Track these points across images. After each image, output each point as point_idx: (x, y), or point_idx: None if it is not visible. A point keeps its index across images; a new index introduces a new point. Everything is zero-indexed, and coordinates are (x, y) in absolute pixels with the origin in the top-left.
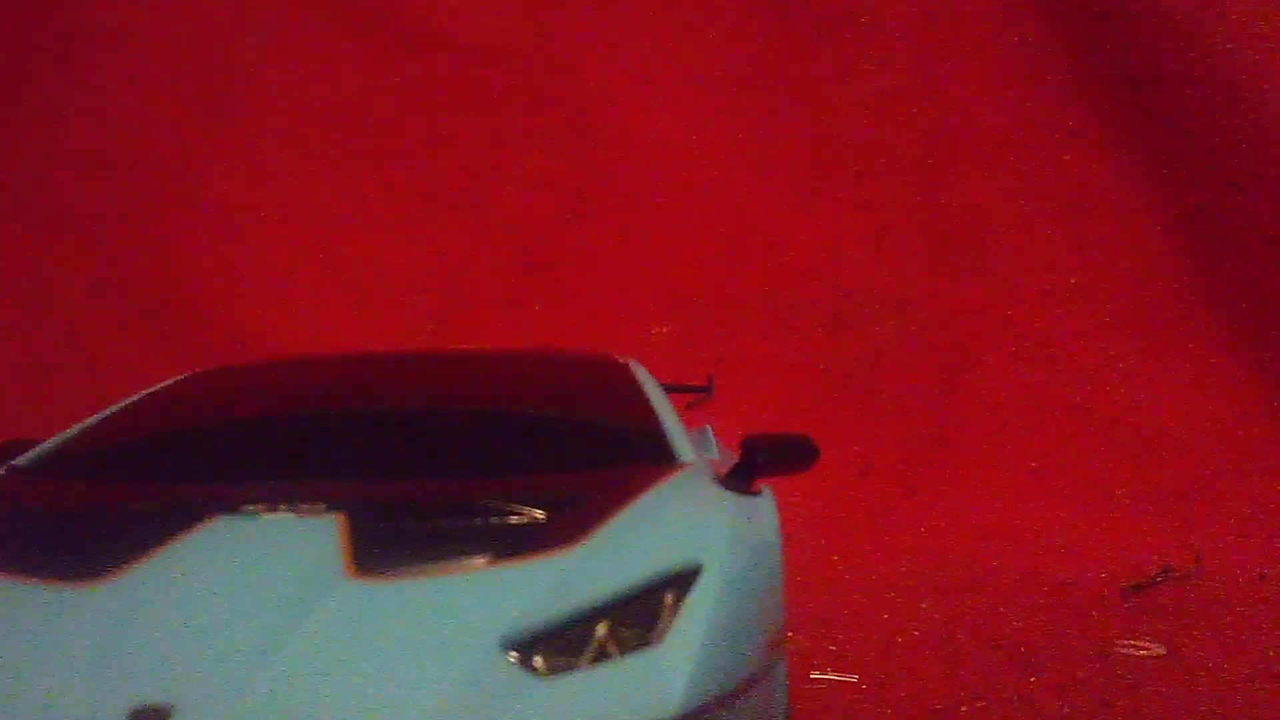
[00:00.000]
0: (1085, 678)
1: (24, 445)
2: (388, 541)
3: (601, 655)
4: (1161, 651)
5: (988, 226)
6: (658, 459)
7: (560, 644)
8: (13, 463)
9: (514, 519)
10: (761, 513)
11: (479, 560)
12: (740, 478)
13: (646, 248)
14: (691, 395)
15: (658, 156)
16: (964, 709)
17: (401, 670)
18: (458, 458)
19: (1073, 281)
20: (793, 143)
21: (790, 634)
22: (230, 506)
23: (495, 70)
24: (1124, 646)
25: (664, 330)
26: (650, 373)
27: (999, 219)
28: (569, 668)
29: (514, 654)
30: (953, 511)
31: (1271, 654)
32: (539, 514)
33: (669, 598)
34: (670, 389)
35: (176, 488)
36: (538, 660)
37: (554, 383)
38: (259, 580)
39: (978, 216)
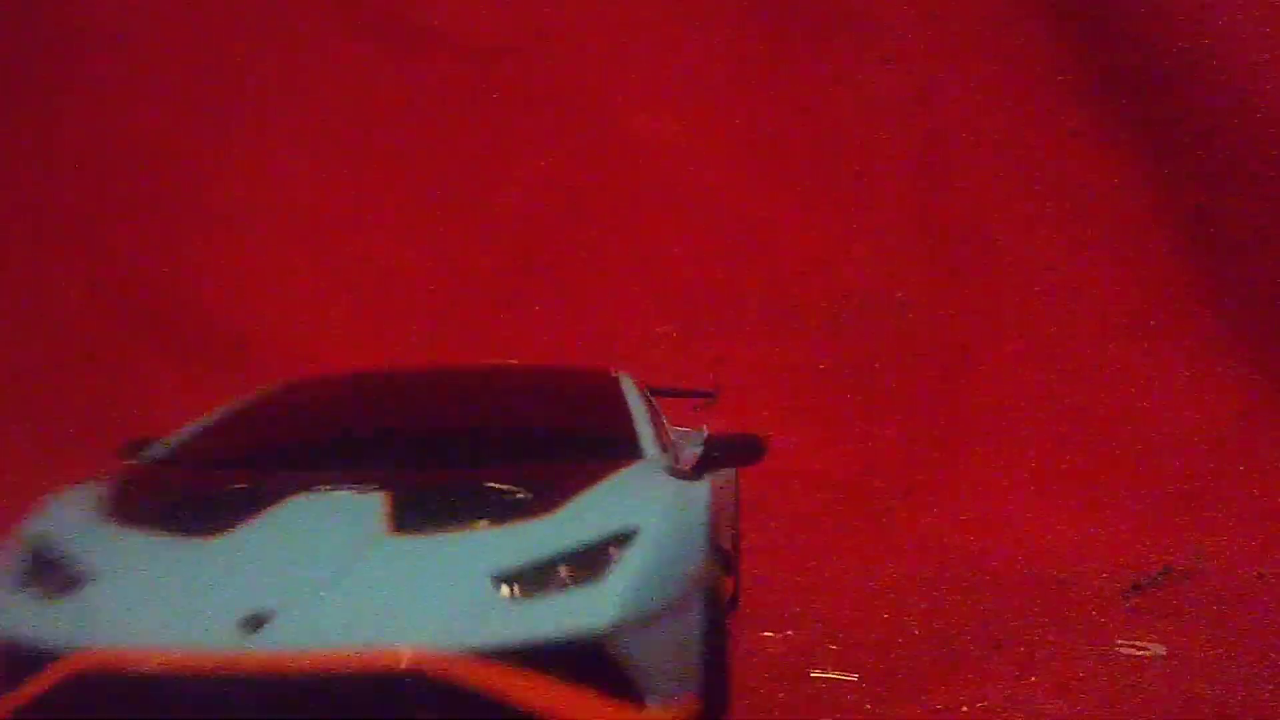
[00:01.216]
0: (1085, 677)
1: (144, 442)
2: (417, 510)
3: (561, 587)
4: (1161, 651)
5: (987, 227)
6: (626, 455)
7: (532, 579)
8: (144, 454)
9: (507, 496)
10: (694, 493)
11: (481, 523)
12: (702, 469)
13: (647, 247)
14: (698, 399)
15: (658, 156)
16: (964, 709)
17: (423, 593)
18: (471, 451)
19: (1073, 282)
20: (793, 143)
21: (790, 632)
22: (308, 486)
23: (495, 70)
24: (1124, 646)
25: (664, 330)
26: (640, 384)
27: (999, 219)
28: (538, 595)
29: (502, 586)
30: (953, 511)
31: (1271, 654)
32: (526, 493)
33: (613, 550)
34: (679, 394)
35: (269, 473)
36: (516, 589)
37: (552, 393)
38: (328, 535)
39: (978, 217)
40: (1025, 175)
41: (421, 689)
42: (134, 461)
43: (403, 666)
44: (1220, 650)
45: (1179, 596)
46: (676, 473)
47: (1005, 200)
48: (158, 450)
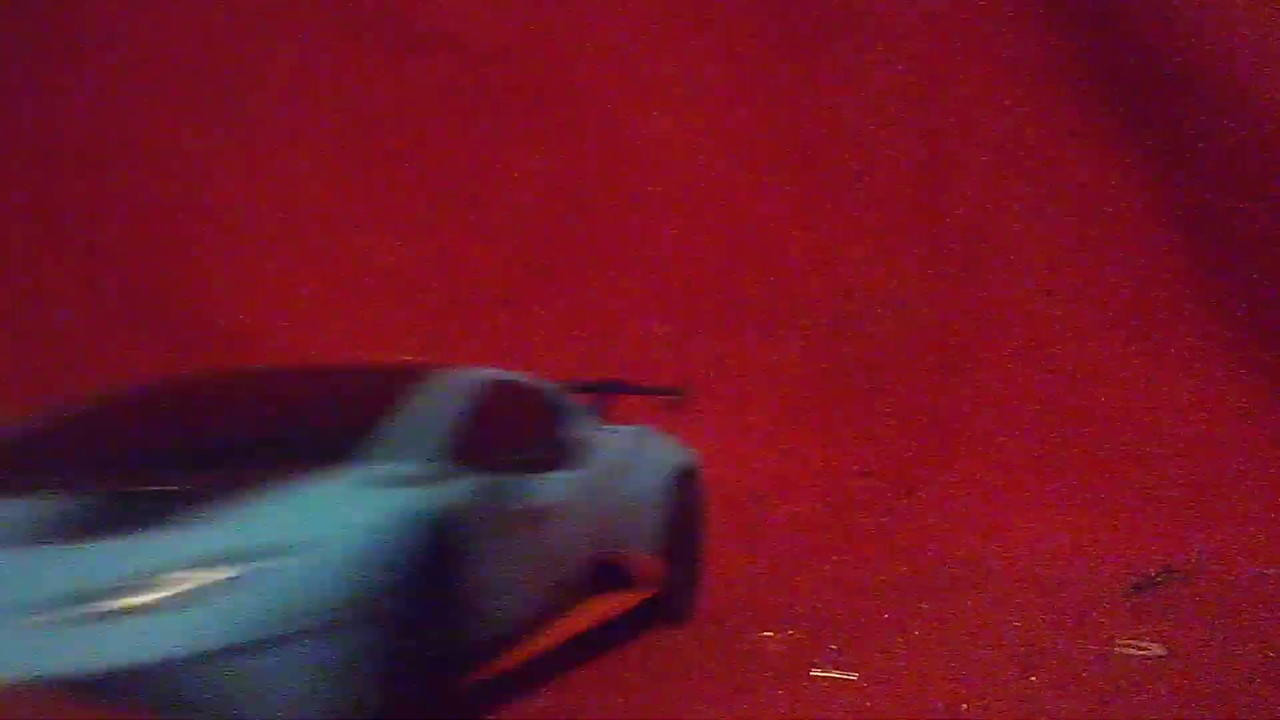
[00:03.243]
0: (1085, 678)
1: None
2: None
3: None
4: (1162, 652)
5: (988, 226)
6: (340, 459)
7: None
8: None
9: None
10: (394, 503)
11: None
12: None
13: (646, 247)
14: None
15: (657, 156)
16: (964, 706)
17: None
18: (169, 460)
19: (1073, 281)
20: (793, 143)
21: (790, 632)
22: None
23: (495, 70)
24: (1124, 646)
25: (663, 330)
26: (492, 380)
27: (999, 219)
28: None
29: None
30: (953, 512)
31: (1272, 654)
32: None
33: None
34: (644, 391)
35: None
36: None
37: (327, 393)
38: None
39: (978, 216)
40: (1025, 175)
41: None
42: None
43: None
44: (1220, 650)
45: (1179, 596)
46: (393, 480)
47: (1005, 200)
48: None
